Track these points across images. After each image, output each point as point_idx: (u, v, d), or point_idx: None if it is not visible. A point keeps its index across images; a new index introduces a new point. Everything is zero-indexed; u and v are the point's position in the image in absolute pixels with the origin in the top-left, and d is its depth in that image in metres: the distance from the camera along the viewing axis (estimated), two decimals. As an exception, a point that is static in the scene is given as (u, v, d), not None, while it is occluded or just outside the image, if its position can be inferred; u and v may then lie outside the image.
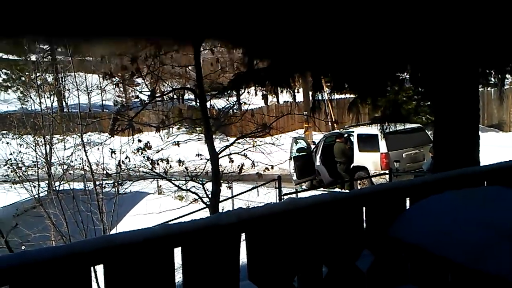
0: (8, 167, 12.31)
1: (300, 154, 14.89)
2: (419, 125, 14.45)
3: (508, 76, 7.68)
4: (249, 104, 11.01)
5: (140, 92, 10.36)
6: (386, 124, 7.32)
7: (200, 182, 9.38)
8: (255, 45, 5.33)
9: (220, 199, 9.18)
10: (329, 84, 7.99)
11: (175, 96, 9.84)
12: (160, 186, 16.00)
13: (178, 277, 2.19)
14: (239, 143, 9.83)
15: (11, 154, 12.30)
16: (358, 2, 2.79)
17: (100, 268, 2.11)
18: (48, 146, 11.72)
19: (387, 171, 12.44)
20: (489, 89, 16.72)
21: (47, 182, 11.91)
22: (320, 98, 6.60)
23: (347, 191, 11.89)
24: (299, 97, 22.77)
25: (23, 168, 12.10)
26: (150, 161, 10.07)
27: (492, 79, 6.49)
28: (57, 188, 10.96)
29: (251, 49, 5.40)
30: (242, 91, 7.69)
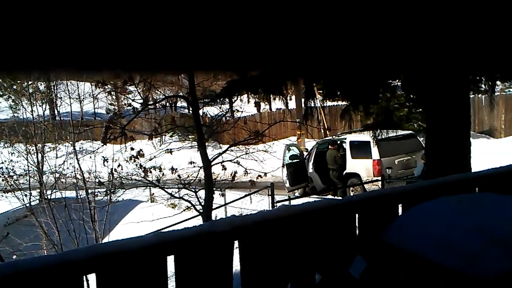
0: (-1, 176, 12.21)
1: (293, 161, 14.91)
2: (411, 131, 14.52)
3: (498, 82, 7.75)
4: (242, 111, 11.04)
5: (133, 100, 10.35)
6: (378, 131, 7.36)
7: (193, 190, 9.36)
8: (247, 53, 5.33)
9: (213, 207, 9.15)
10: (321, 91, 8.03)
11: (167, 104, 9.84)
12: (153, 194, 15.94)
13: (171, 285, 2.18)
14: (231, 150, 9.83)
15: (2, 162, 12.22)
16: (350, 9, 2.80)
17: (92, 277, 2.10)
18: (39, 155, 11.66)
19: (379, 178, 12.48)
20: (480, 95, 16.85)
21: (38, 190, 11.83)
22: (312, 105, 6.64)
23: (340, 198, 11.91)
24: (292, 104, 22.81)
25: (15, 177, 12.01)
26: (142, 169, 10.04)
27: (483, 85, 6.56)
28: (49, 196, 10.89)
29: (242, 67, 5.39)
30: (235, 98, 7.72)
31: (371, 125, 7.52)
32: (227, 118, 10.83)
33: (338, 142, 14.81)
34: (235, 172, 10.18)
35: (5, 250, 9.60)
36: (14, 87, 15.70)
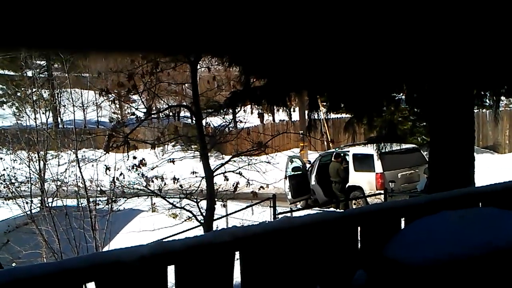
0: (1, 183, 12.20)
1: (296, 173, 14.89)
2: (414, 145, 14.49)
3: (503, 97, 7.74)
4: (245, 122, 11.03)
5: (136, 109, 10.35)
6: (382, 144, 7.34)
7: (195, 200, 9.33)
8: (252, 63, 5.36)
9: (215, 217, 9.12)
10: (325, 103, 8.02)
11: (171, 113, 9.83)
12: (154, 203, 15.91)
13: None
14: (234, 161, 9.81)
15: (4, 169, 12.22)
16: (354, 22, 2.81)
17: (91, 286, 2.08)
18: (42, 162, 11.65)
19: (382, 191, 12.43)
20: (484, 110, 16.81)
21: (40, 198, 11.81)
22: (316, 117, 6.62)
23: (342, 210, 11.85)
24: (295, 116, 22.85)
25: (16, 184, 12.01)
26: (144, 178, 10.02)
27: (487, 100, 6.55)
28: (50, 204, 10.87)
29: (248, 66, 5.43)
30: (238, 109, 7.71)
31: (375, 138, 7.49)
32: (230, 128, 10.82)
33: (341, 154, 14.77)
34: (237, 183, 10.15)
35: (4, 258, 9.57)
36: (18, 94, 15.75)
